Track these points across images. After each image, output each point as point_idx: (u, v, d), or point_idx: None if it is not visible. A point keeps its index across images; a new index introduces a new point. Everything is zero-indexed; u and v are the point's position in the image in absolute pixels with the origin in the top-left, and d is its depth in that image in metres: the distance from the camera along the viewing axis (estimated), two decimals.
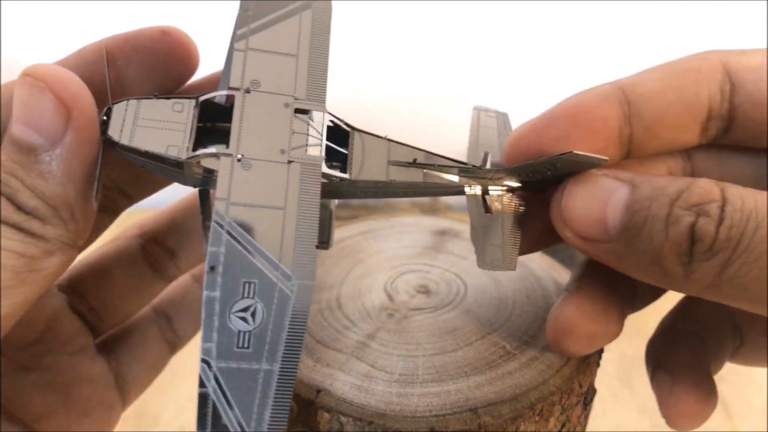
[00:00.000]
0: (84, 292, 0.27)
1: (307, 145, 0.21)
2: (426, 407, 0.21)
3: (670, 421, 0.25)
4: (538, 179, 0.23)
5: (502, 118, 0.28)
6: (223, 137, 0.20)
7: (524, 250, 0.25)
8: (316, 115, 0.21)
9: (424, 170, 0.23)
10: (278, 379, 0.17)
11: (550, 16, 0.74)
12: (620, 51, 0.76)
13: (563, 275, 0.30)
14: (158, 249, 0.29)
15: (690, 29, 0.74)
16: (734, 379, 0.56)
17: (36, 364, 0.25)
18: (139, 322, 0.30)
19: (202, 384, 0.17)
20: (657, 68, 0.24)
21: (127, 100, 0.21)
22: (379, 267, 0.30)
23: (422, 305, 0.27)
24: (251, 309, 0.18)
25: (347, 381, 0.22)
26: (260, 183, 0.20)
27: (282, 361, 0.18)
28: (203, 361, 0.17)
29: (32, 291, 0.20)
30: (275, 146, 0.20)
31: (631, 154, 0.24)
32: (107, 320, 0.28)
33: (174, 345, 0.31)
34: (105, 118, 0.20)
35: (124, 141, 0.20)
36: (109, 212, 0.27)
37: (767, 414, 0.52)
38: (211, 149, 0.20)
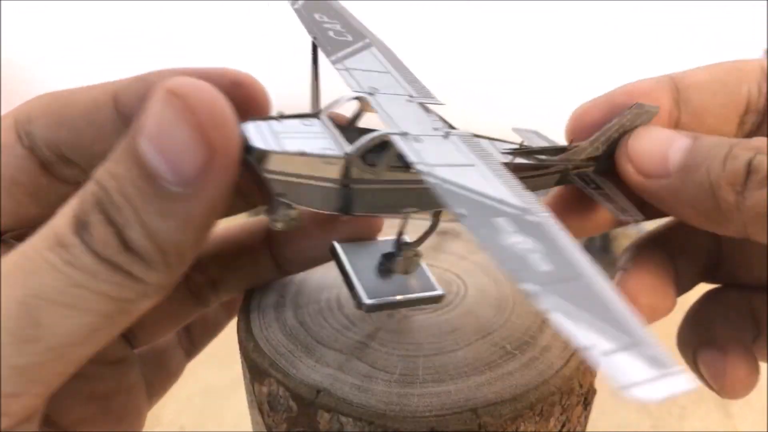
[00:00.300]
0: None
1: (446, 124, 0.21)
2: (426, 407, 0.21)
3: (727, 393, 0.27)
4: (606, 151, 0.25)
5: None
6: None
7: (592, 231, 0.28)
8: (433, 108, 0.23)
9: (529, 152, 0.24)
10: (597, 282, 0.16)
11: (549, 18, 0.74)
12: (622, 54, 0.76)
13: None
14: (201, 277, 0.28)
15: (690, 29, 0.74)
16: None
17: (79, 373, 0.25)
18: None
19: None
20: (704, 66, 0.26)
21: (252, 120, 0.19)
22: None
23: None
24: (518, 237, 0.16)
25: (347, 381, 0.22)
26: (438, 149, 0.19)
27: (583, 268, 0.16)
28: (535, 297, 0.15)
29: (117, 331, 0.18)
30: (426, 126, 0.21)
31: None
32: (143, 340, 0.28)
33: (190, 353, 0.31)
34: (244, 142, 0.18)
35: (275, 147, 0.18)
36: (201, 303, 0.27)
37: (767, 414, 0.52)
38: (375, 133, 0.19)
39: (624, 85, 0.26)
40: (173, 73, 0.21)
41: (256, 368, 0.23)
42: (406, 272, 0.24)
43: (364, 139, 0.19)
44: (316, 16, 0.24)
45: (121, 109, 0.21)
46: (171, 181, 0.16)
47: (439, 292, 0.25)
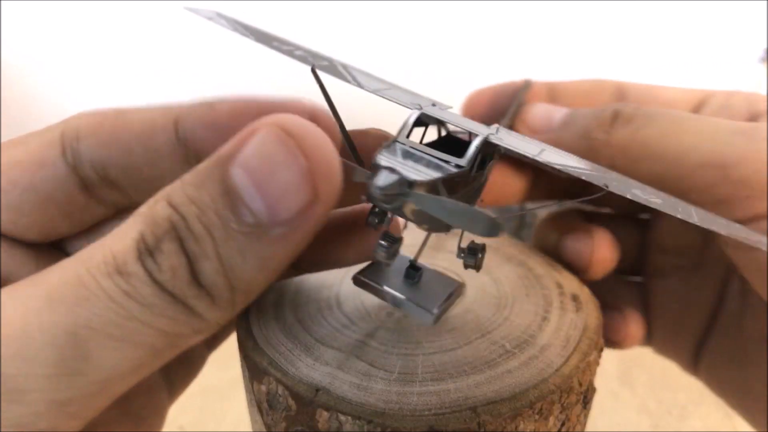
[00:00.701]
0: None
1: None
2: (425, 406, 0.21)
3: (594, 270, 0.31)
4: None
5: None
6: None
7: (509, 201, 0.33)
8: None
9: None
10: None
11: (548, 18, 0.74)
12: (622, 54, 0.76)
13: (563, 274, 0.30)
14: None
15: (689, 29, 0.74)
16: None
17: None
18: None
19: None
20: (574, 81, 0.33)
21: (384, 151, 0.18)
22: None
23: None
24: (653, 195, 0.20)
25: (346, 380, 0.22)
26: (519, 141, 0.22)
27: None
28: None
29: (159, 365, 0.17)
30: (479, 126, 0.22)
31: None
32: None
33: (210, 345, 0.30)
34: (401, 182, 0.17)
35: (424, 178, 0.17)
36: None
37: (767, 414, 0.52)
38: (476, 140, 0.20)
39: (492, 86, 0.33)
40: (244, 101, 0.20)
41: (255, 367, 0.23)
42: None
43: (472, 150, 0.19)
44: (285, 47, 0.22)
45: (182, 135, 0.20)
46: (263, 221, 0.15)
47: (459, 281, 0.26)
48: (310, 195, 0.15)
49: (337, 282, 0.28)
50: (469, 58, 0.75)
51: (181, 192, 0.15)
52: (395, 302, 0.24)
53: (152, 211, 0.15)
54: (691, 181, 0.24)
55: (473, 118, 0.25)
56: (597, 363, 0.25)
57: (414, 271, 0.25)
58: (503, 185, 0.32)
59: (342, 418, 0.21)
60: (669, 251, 0.34)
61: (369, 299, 0.27)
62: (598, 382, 0.25)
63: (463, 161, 0.19)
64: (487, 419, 0.20)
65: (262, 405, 0.24)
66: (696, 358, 0.33)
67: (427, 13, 0.73)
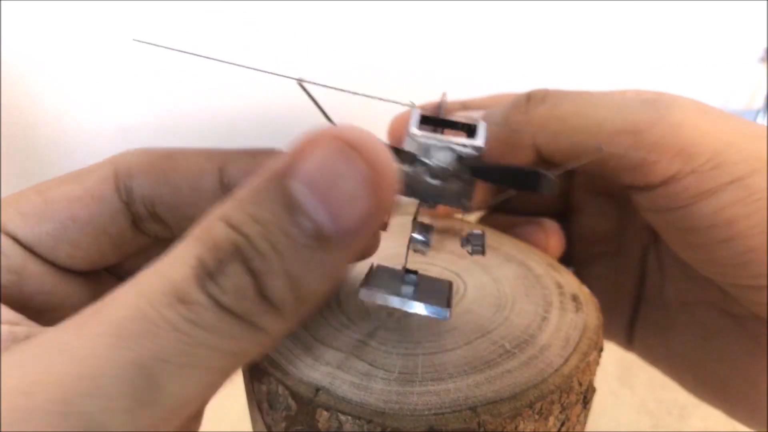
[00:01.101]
0: None
1: None
2: (425, 405, 0.21)
3: (552, 250, 0.34)
4: None
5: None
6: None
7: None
8: None
9: None
10: None
11: (548, 18, 0.74)
12: (621, 54, 0.76)
13: (563, 274, 0.30)
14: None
15: (689, 29, 0.74)
16: None
17: None
18: None
19: None
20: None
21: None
22: None
23: None
24: None
25: (346, 379, 0.22)
26: None
27: None
28: None
29: (225, 382, 0.16)
30: None
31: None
32: None
33: None
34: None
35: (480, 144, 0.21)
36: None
37: (767, 414, 0.52)
38: (482, 123, 0.22)
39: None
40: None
41: (255, 367, 0.23)
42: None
43: (482, 131, 0.22)
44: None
45: (227, 181, 0.22)
46: (327, 232, 0.15)
47: (445, 279, 0.27)
48: (372, 203, 0.15)
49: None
50: (465, 59, 0.75)
51: (240, 211, 0.15)
52: (409, 307, 0.24)
53: (210, 233, 0.15)
54: (608, 149, 0.26)
55: (397, 139, 0.29)
56: (597, 363, 0.25)
57: (412, 275, 0.26)
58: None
59: (342, 417, 0.21)
60: (590, 241, 0.37)
61: None
62: (598, 382, 0.25)
63: (478, 142, 0.21)
64: (487, 419, 0.20)
65: (262, 405, 0.24)
66: (629, 334, 0.36)
67: (426, 13, 0.73)
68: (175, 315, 0.15)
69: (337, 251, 0.15)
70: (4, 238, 0.20)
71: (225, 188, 0.22)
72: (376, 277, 0.26)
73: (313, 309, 0.17)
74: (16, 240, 0.20)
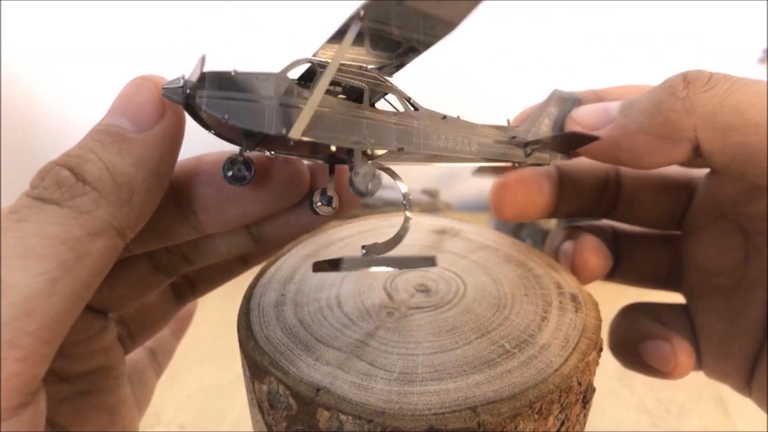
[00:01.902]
0: (126, 320, 0.29)
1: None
2: (425, 405, 0.21)
3: (676, 374, 0.31)
4: (544, 136, 0.30)
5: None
6: None
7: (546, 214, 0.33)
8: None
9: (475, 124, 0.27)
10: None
11: (547, 19, 0.74)
12: (621, 54, 0.76)
13: (562, 274, 0.30)
14: (180, 278, 0.31)
15: (689, 29, 0.74)
16: None
17: (93, 388, 0.26)
18: (139, 355, 0.33)
19: None
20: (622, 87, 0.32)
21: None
22: None
23: (422, 304, 0.27)
24: None
25: (347, 379, 0.22)
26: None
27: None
28: None
29: (82, 281, 0.18)
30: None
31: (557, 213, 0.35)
32: (137, 344, 0.30)
33: (158, 373, 0.34)
34: (183, 79, 0.20)
35: (204, 71, 0.20)
36: (168, 273, 0.28)
37: (767, 414, 0.52)
38: (302, 58, 0.22)
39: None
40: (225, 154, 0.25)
41: (256, 367, 0.23)
42: (368, 189, 0.22)
43: (292, 62, 0.21)
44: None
45: (174, 183, 0.24)
46: (130, 130, 0.20)
47: (431, 255, 0.26)
48: (160, 107, 0.21)
49: (337, 282, 0.29)
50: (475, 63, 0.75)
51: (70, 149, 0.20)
52: (400, 263, 0.24)
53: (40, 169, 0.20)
54: None
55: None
56: (596, 363, 0.25)
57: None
58: (527, 201, 0.32)
59: (343, 417, 0.21)
60: (707, 271, 0.32)
61: (369, 299, 0.27)
62: (598, 381, 0.25)
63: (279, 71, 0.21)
64: (487, 419, 0.20)
65: (263, 404, 0.24)
66: (748, 378, 0.31)
67: None
68: (8, 221, 0.18)
69: (142, 143, 0.20)
70: None
71: (174, 189, 0.24)
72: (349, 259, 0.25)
73: (141, 197, 0.20)
74: None
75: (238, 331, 0.26)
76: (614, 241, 0.35)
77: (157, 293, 0.29)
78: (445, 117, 0.25)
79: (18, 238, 0.17)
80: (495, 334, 0.25)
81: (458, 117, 0.26)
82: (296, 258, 0.31)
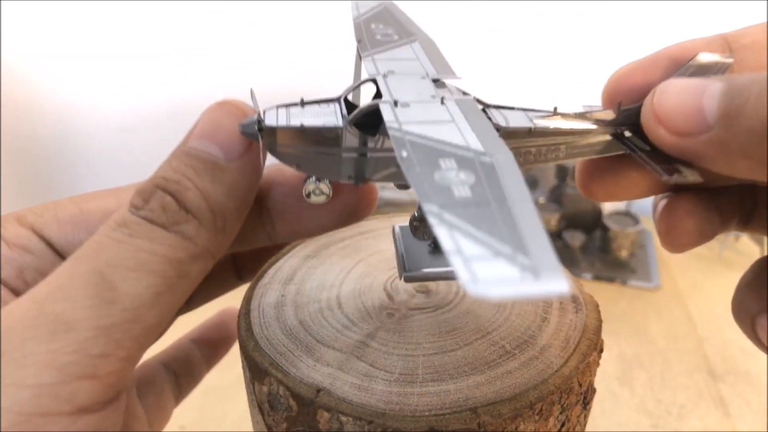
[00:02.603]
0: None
1: (452, 94, 0.22)
2: (426, 406, 0.21)
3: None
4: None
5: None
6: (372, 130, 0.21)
7: (627, 196, 0.26)
8: (450, 82, 0.23)
9: (568, 116, 0.23)
10: (516, 208, 0.16)
11: (546, 20, 0.74)
12: (621, 53, 0.76)
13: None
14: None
15: (689, 29, 0.74)
16: (733, 379, 0.56)
17: (149, 380, 0.29)
18: (155, 376, 0.32)
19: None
20: (758, 24, 0.25)
21: (276, 107, 0.22)
22: (379, 267, 0.30)
23: (422, 305, 0.27)
24: (458, 173, 0.17)
25: (347, 380, 0.22)
26: (423, 112, 0.20)
27: (511, 198, 0.16)
28: (431, 215, 0.15)
29: (178, 298, 0.20)
30: (425, 94, 0.22)
31: None
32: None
33: (177, 398, 0.33)
34: (258, 120, 0.21)
35: (282, 123, 0.21)
36: (224, 287, 0.30)
37: (767, 414, 0.52)
38: (368, 103, 0.21)
39: (673, 44, 0.24)
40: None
41: (256, 367, 0.23)
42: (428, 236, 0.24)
43: (358, 110, 0.21)
44: (372, 25, 0.27)
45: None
46: (221, 158, 0.21)
47: None
48: (246, 138, 0.21)
49: (337, 283, 0.29)
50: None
51: (159, 170, 0.21)
52: (398, 252, 0.25)
53: (137, 187, 0.21)
54: None
55: (619, 103, 0.23)
56: (597, 363, 0.25)
57: (436, 246, 0.25)
58: (621, 180, 0.26)
59: (343, 418, 0.21)
60: None
61: (369, 300, 0.27)
62: (598, 382, 0.25)
63: (345, 120, 0.21)
64: (488, 420, 0.20)
65: (263, 405, 0.24)
66: None
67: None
68: (118, 233, 0.20)
69: (233, 173, 0.21)
70: (37, 241, 0.23)
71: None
72: (409, 255, 0.25)
73: (230, 229, 0.21)
74: (49, 244, 0.23)
75: (238, 331, 0.26)
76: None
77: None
78: (530, 130, 0.23)
79: (131, 252, 0.19)
80: (495, 334, 0.25)
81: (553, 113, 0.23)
82: (296, 259, 0.31)
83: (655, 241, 0.74)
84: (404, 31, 0.27)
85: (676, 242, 0.26)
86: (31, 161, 0.78)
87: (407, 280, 0.24)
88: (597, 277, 0.69)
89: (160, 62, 0.75)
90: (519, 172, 0.17)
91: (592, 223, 0.74)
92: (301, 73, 0.75)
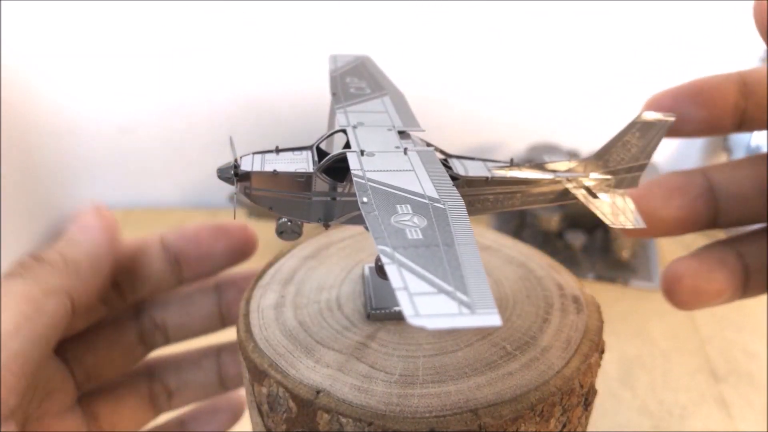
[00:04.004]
0: (72, 357, 0.31)
1: (415, 146, 0.24)
2: (426, 408, 0.21)
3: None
4: (626, 165, 0.26)
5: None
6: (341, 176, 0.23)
7: (664, 232, 0.29)
8: (415, 134, 0.25)
9: (523, 167, 0.25)
10: (461, 250, 0.18)
11: (546, 23, 0.74)
12: (621, 55, 0.76)
13: (564, 275, 0.30)
14: (158, 387, 0.35)
15: (690, 31, 0.74)
16: (735, 380, 0.56)
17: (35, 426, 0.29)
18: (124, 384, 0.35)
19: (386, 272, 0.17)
20: None
21: (252, 153, 0.24)
22: None
23: None
24: (412, 218, 0.19)
25: (347, 382, 0.22)
26: (386, 161, 0.22)
27: (458, 241, 0.18)
28: (384, 255, 0.17)
29: (39, 327, 0.25)
30: (389, 146, 0.24)
31: (743, 126, 0.28)
32: (91, 382, 0.32)
33: (161, 407, 0.35)
34: (235, 166, 0.23)
35: (256, 168, 0.22)
36: (147, 346, 0.34)
37: (767, 414, 0.52)
38: (336, 152, 0.23)
39: (693, 80, 0.28)
40: (201, 226, 0.33)
41: (255, 369, 0.23)
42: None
43: (328, 158, 0.23)
44: (347, 79, 0.30)
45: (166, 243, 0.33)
46: (80, 237, 0.29)
47: None
48: (104, 225, 0.30)
49: (337, 284, 0.28)
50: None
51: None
52: (366, 290, 0.27)
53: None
54: None
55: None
56: (598, 365, 0.25)
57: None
58: (654, 216, 0.28)
59: (343, 420, 0.21)
60: None
61: None
62: (600, 383, 0.25)
63: (315, 167, 0.23)
64: (488, 421, 0.20)
65: (263, 407, 0.24)
66: None
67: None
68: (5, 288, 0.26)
69: (85, 243, 0.29)
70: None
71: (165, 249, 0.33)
72: (376, 294, 0.26)
73: (87, 271, 0.28)
74: None
75: (238, 332, 0.26)
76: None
77: (126, 338, 0.33)
78: (487, 179, 0.24)
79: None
80: (496, 335, 0.25)
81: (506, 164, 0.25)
82: (296, 259, 0.30)
83: (657, 241, 0.74)
84: (377, 85, 0.30)
85: (658, 229, 0.29)
86: (31, 161, 0.78)
87: (372, 318, 0.26)
88: (598, 278, 0.69)
89: (159, 65, 0.75)
90: (467, 218, 0.20)
91: (593, 223, 0.74)
92: (301, 73, 0.75)
